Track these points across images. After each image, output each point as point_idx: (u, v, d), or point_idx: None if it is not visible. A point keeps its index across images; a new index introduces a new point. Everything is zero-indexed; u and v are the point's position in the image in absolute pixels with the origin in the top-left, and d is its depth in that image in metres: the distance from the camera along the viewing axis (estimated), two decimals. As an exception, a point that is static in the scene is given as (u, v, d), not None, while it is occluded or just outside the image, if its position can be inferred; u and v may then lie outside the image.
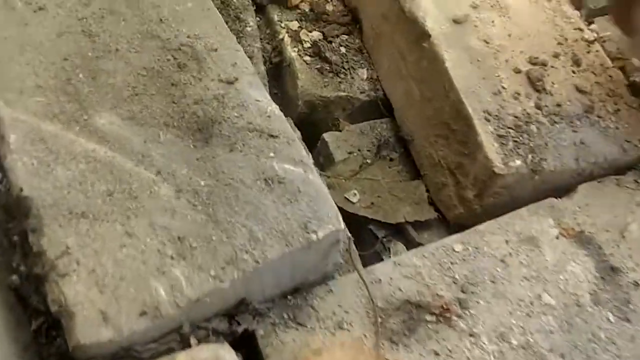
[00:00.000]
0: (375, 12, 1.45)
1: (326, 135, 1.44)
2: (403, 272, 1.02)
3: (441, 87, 1.21)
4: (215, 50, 1.07)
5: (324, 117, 1.52)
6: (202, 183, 0.92)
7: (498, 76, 1.21)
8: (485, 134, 1.12)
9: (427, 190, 1.32)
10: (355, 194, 1.35)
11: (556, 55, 1.27)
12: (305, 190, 0.93)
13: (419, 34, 1.26)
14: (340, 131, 1.48)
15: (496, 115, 1.15)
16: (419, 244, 1.29)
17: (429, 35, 1.23)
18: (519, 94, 1.20)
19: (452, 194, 1.21)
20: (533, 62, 1.26)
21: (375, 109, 1.53)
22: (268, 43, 1.60)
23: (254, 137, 0.98)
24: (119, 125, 0.96)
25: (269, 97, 1.05)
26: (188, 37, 1.08)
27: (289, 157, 0.97)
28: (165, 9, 1.11)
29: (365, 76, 1.53)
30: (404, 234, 1.32)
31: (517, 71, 1.23)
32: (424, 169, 1.31)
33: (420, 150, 1.32)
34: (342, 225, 0.93)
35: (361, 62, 1.55)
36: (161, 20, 1.10)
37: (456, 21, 1.27)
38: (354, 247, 1.08)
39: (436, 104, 1.23)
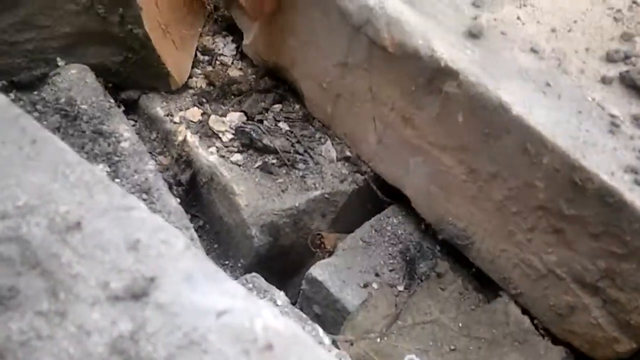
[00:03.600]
0: (322, 64, 0.90)
1: (314, 271, 0.85)
2: None
3: (516, 150, 0.67)
4: (78, 225, 0.45)
5: (296, 239, 0.92)
6: None
7: (593, 100, 0.70)
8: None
9: (525, 313, 0.76)
10: (413, 360, 0.76)
11: (628, 38, 0.80)
12: None
13: (431, 75, 0.72)
14: (331, 253, 0.89)
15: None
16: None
17: (454, 72, 0.70)
18: None
19: (601, 322, 0.67)
20: (612, 59, 0.77)
21: (367, 199, 0.96)
22: (161, 154, 0.99)
23: None
24: None
25: (237, 288, 0.44)
26: (2, 217, 0.45)
27: None
28: None
29: (334, 155, 0.97)
30: (523, 399, 0.75)
31: (608, 81, 0.73)
32: (514, 285, 0.75)
33: (494, 257, 0.76)
34: None
35: (318, 135, 0.99)
36: None
37: (473, 34, 0.75)
38: None
39: (513, 180, 0.69)
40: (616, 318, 0.65)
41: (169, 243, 0.45)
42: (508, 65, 0.71)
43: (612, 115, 0.67)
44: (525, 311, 0.76)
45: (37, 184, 0.48)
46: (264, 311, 0.42)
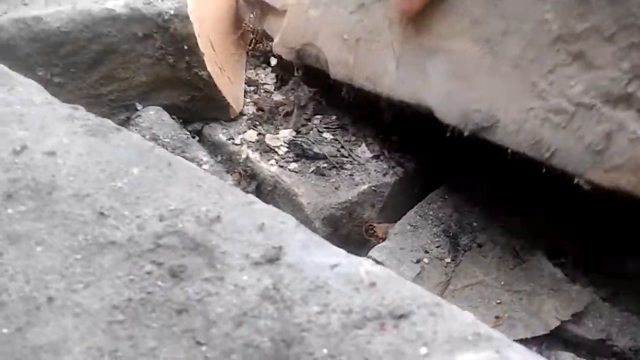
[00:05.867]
0: (342, 17, 0.99)
1: (373, 254, 1.00)
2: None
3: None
4: (218, 218, 0.62)
5: (351, 229, 1.08)
6: None
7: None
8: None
9: (564, 175, 0.76)
10: (467, 315, 0.91)
11: None
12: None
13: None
14: (384, 239, 1.05)
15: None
16: (595, 342, 0.87)
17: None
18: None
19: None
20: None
21: (409, 187, 1.13)
22: (227, 172, 1.16)
23: (375, 334, 0.52)
24: None
25: (339, 250, 0.60)
26: (161, 219, 0.62)
27: (451, 344, 0.52)
28: (99, 194, 0.65)
29: (368, 155, 1.13)
30: (563, 337, 0.90)
31: None
32: (546, 145, 0.76)
33: (520, 125, 0.78)
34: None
35: (354, 139, 1.16)
36: (102, 213, 0.63)
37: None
38: None
39: (525, 26, 0.73)
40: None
41: (286, 223, 0.62)
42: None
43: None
44: (563, 174, 0.76)
45: (179, 194, 0.65)
46: (364, 261, 0.58)
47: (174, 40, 1.06)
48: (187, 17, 1.05)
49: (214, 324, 0.54)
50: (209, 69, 1.09)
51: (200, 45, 1.08)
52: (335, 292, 0.56)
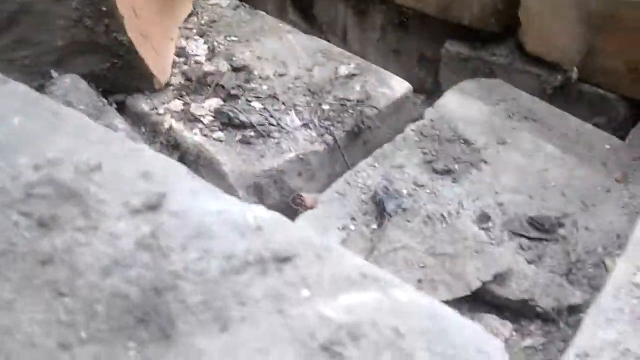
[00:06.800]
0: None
1: (298, 222, 0.97)
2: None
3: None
4: (99, 166, 0.57)
5: (279, 198, 1.04)
6: None
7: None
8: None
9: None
10: (390, 280, 0.88)
11: None
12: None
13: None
14: (311, 208, 1.02)
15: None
16: (518, 303, 0.85)
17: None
18: None
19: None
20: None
21: (339, 156, 1.09)
22: (151, 144, 1.11)
23: (255, 278, 0.49)
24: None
25: (231, 198, 0.57)
26: (36, 169, 0.57)
27: (335, 285, 0.49)
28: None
29: (297, 123, 1.09)
30: (486, 299, 0.88)
31: None
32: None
33: None
34: None
35: (283, 108, 1.12)
36: (-28, 163, 0.58)
37: None
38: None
39: None
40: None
41: (175, 171, 0.58)
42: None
43: None
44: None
45: (62, 144, 0.60)
46: (253, 207, 0.55)
47: (91, 1, 1.00)
48: (105, -24, 0.99)
49: (81, 274, 0.50)
50: (129, 34, 1.03)
51: (119, 7, 1.02)
52: (218, 237, 0.52)
